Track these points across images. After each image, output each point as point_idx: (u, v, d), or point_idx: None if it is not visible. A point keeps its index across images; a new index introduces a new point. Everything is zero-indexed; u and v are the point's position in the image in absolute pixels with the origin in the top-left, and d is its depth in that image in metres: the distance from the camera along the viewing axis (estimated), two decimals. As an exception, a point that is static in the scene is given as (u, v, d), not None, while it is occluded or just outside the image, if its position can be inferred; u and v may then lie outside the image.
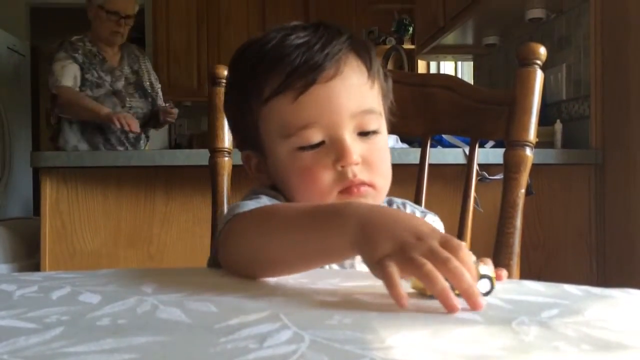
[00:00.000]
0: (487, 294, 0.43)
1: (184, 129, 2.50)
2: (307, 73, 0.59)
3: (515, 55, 0.83)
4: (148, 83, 2.43)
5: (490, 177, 1.69)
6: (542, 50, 0.81)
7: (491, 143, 1.75)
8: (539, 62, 0.81)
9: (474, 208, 0.89)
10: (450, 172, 1.67)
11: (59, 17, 4.79)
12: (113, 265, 1.74)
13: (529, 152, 0.81)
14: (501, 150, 0.83)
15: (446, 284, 0.39)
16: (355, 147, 0.60)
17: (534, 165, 0.84)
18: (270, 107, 0.61)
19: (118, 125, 2.18)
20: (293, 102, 0.59)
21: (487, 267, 0.43)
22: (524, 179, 0.81)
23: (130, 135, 2.32)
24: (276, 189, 0.66)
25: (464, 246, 0.41)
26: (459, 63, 3.51)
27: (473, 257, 0.42)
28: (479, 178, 1.66)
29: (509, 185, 0.81)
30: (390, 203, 0.73)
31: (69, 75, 2.24)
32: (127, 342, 0.33)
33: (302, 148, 0.60)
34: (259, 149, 0.65)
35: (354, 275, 0.54)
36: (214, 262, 0.59)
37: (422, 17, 2.77)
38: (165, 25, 4.10)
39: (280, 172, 0.63)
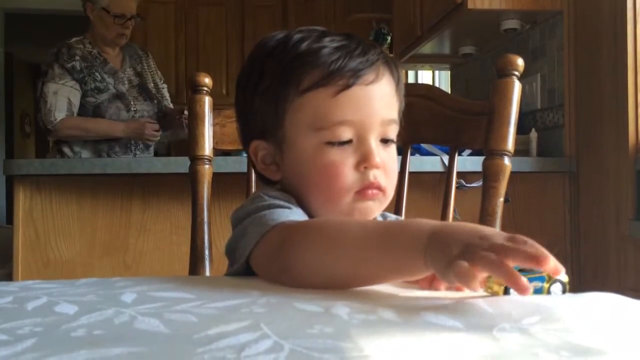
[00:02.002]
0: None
1: (162, 137, 2.47)
2: (349, 73, 0.61)
3: (493, 65, 0.84)
4: (152, 84, 2.32)
5: (468, 185, 1.71)
6: (520, 62, 0.82)
7: (468, 151, 1.76)
8: (516, 73, 0.82)
9: (453, 216, 0.90)
10: (429, 179, 1.69)
11: (34, 23, 4.72)
12: (88, 275, 1.71)
13: (507, 161, 0.82)
14: (478, 158, 0.84)
15: (511, 268, 0.40)
16: (379, 152, 0.63)
17: (510, 173, 0.85)
18: (307, 98, 0.62)
19: (153, 137, 2.15)
20: (333, 97, 0.61)
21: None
22: (503, 187, 0.82)
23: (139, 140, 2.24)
24: (284, 189, 0.66)
25: (530, 240, 0.42)
26: (437, 72, 3.55)
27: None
28: (456, 186, 1.67)
29: (487, 193, 0.82)
30: (384, 217, 0.74)
31: (62, 102, 2.10)
32: (102, 354, 0.32)
33: (330, 143, 0.62)
34: (276, 139, 0.66)
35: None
36: (241, 271, 0.59)
37: (400, 26, 2.79)
38: (143, 32, 4.07)
39: (301, 164, 0.64)
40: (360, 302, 0.44)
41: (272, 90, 0.64)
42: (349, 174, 0.62)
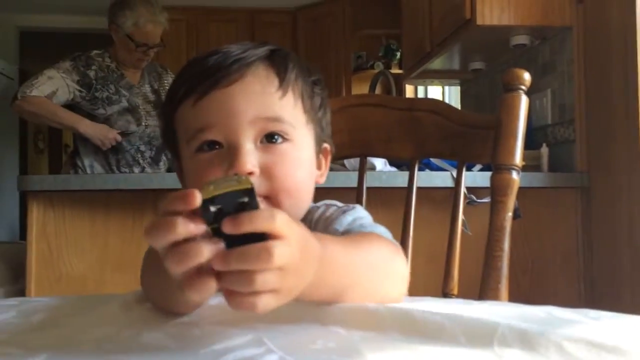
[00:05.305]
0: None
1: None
2: (207, 78, 0.59)
3: (500, 80, 0.84)
4: None
5: (478, 200, 1.70)
6: (527, 76, 0.82)
7: (479, 166, 1.76)
8: (523, 87, 0.82)
9: (463, 231, 0.89)
10: (439, 195, 1.68)
11: (48, 41, 4.80)
12: (99, 290, 1.72)
13: (515, 175, 0.82)
14: (489, 174, 0.84)
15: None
16: (252, 155, 0.58)
17: (521, 188, 0.84)
18: (178, 113, 0.62)
19: (103, 146, 2.18)
20: (193, 106, 0.60)
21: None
22: (511, 202, 0.82)
23: (147, 154, 2.27)
24: None
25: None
26: (446, 88, 3.55)
27: None
28: (467, 201, 1.66)
29: (495, 208, 0.81)
30: (310, 212, 0.68)
31: (48, 87, 2.12)
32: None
33: (200, 151, 0.60)
34: (176, 155, 0.66)
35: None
36: None
37: (409, 42, 2.81)
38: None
39: (185, 177, 0.64)
40: (359, 318, 0.43)
41: (164, 110, 0.65)
42: None
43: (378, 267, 0.51)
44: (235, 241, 0.35)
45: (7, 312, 0.48)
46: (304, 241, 0.38)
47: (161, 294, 0.47)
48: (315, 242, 0.41)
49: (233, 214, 0.35)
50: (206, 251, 0.35)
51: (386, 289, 0.50)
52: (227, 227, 0.34)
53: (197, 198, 0.35)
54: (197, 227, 0.35)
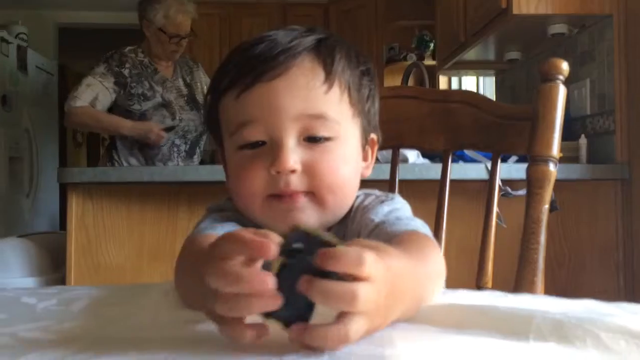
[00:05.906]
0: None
1: (206, 145, 2.52)
2: (251, 70, 0.57)
3: (537, 70, 0.82)
4: (202, 95, 2.37)
5: (513, 192, 1.67)
6: (565, 66, 0.80)
7: (514, 158, 1.73)
8: (561, 77, 0.80)
9: (497, 223, 0.88)
10: (473, 187, 1.66)
11: (87, 37, 4.91)
12: (137, 279, 1.76)
13: (552, 167, 0.80)
14: (524, 165, 0.82)
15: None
16: (295, 152, 0.56)
17: (558, 180, 0.83)
18: (222, 102, 0.61)
19: (157, 142, 2.22)
20: (236, 99, 0.58)
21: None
22: (548, 194, 0.80)
23: (182, 148, 2.31)
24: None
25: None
26: (481, 78, 3.50)
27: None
28: (501, 193, 1.64)
29: (532, 200, 0.80)
30: (366, 196, 0.67)
31: (89, 95, 2.20)
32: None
33: (243, 146, 0.58)
34: (219, 143, 0.65)
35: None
36: None
37: (443, 33, 2.77)
38: (189, 44, 4.17)
39: (226, 169, 0.64)
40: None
41: (207, 99, 0.64)
42: (257, 178, 0.57)
43: (436, 273, 0.50)
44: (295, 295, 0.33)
45: (48, 300, 0.50)
46: (391, 281, 0.36)
47: (198, 300, 0.44)
48: (411, 268, 0.41)
49: (303, 272, 0.34)
50: (256, 308, 0.34)
51: (436, 289, 0.50)
52: (318, 260, 0.33)
53: (272, 251, 0.34)
54: (262, 284, 0.33)
